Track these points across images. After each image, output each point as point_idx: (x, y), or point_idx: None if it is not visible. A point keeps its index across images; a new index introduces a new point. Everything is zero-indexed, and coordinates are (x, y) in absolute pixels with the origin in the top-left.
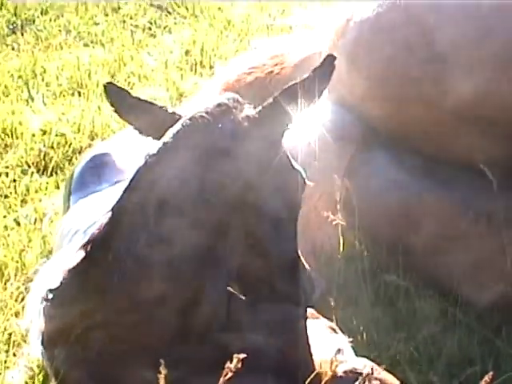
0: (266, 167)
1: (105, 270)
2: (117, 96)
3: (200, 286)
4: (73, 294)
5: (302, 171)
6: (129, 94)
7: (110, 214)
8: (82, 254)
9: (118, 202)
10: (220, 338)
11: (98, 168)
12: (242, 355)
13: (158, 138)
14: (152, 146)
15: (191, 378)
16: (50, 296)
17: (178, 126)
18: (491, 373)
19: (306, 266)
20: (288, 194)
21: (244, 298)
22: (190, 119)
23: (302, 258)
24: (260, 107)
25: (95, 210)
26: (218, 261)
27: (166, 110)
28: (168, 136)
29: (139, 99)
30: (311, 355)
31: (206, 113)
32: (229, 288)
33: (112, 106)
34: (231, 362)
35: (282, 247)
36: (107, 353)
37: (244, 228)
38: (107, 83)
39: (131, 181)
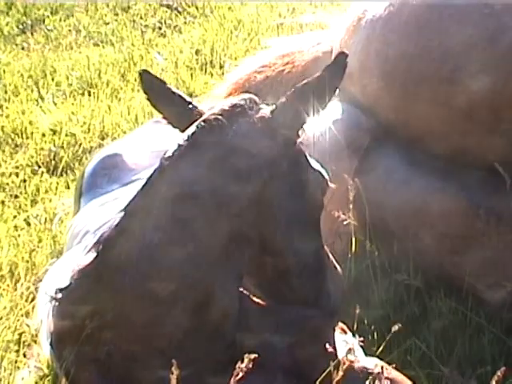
0: (281, 168)
1: (116, 270)
2: (151, 84)
3: (211, 286)
4: (83, 294)
5: (323, 172)
6: (164, 83)
7: (122, 214)
8: (93, 253)
9: (131, 202)
10: (232, 337)
11: (108, 169)
12: (253, 355)
13: (183, 131)
14: (168, 148)
15: (204, 376)
16: (59, 295)
17: (193, 128)
18: (503, 368)
19: (338, 267)
20: (306, 194)
21: (257, 298)
22: (205, 121)
23: (331, 258)
24: (273, 107)
25: (105, 211)
26: (230, 261)
27: (193, 105)
28: (183, 138)
29: (172, 91)
30: (324, 354)
31: (221, 115)
32: (241, 288)
33: (145, 93)
34: (242, 362)
35: (298, 248)
36: (118, 353)
37: (257, 229)
38: (142, 70)
39: (146, 183)
